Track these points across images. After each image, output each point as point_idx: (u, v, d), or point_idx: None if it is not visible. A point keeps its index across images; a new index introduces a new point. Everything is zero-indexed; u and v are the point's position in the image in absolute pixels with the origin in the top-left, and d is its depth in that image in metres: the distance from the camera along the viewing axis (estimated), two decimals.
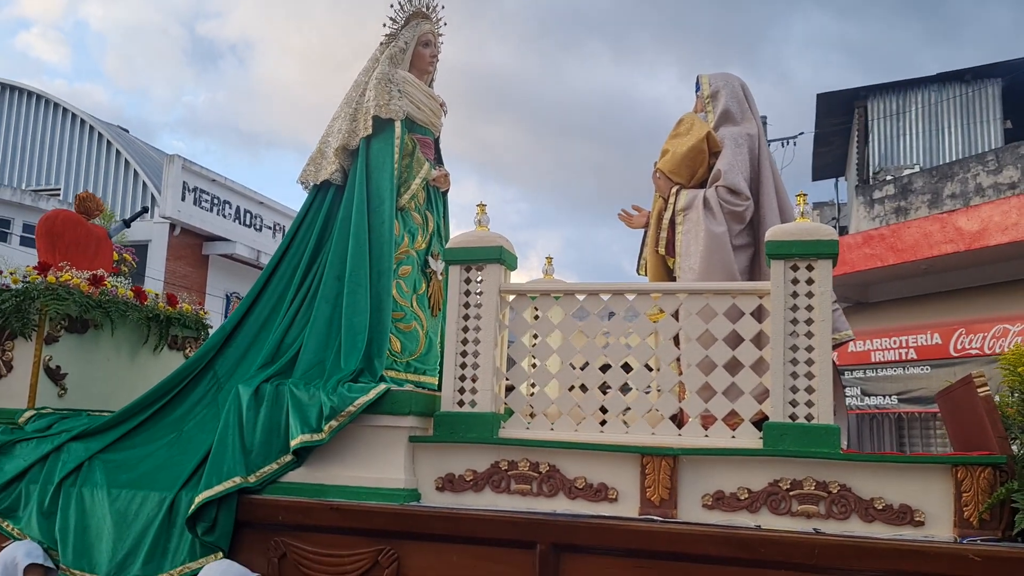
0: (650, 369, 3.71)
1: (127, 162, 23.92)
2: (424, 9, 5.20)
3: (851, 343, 10.88)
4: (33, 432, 4.67)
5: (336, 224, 4.74)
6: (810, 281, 3.45)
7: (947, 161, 14.32)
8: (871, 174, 15.19)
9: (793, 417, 3.38)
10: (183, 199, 21.23)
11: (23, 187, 23.88)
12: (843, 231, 15.53)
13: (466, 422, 3.84)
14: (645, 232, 4.66)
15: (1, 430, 4.74)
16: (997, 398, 3.21)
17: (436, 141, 5.29)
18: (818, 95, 16.24)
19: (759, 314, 3.58)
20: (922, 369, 11.20)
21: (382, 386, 3.97)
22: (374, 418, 3.95)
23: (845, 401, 4.68)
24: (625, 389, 3.79)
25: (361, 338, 4.33)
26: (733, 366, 3.56)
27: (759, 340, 3.56)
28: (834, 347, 4.18)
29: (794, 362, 3.42)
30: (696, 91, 4.67)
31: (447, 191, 5.23)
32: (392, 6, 5.10)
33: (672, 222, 4.30)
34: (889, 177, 14.18)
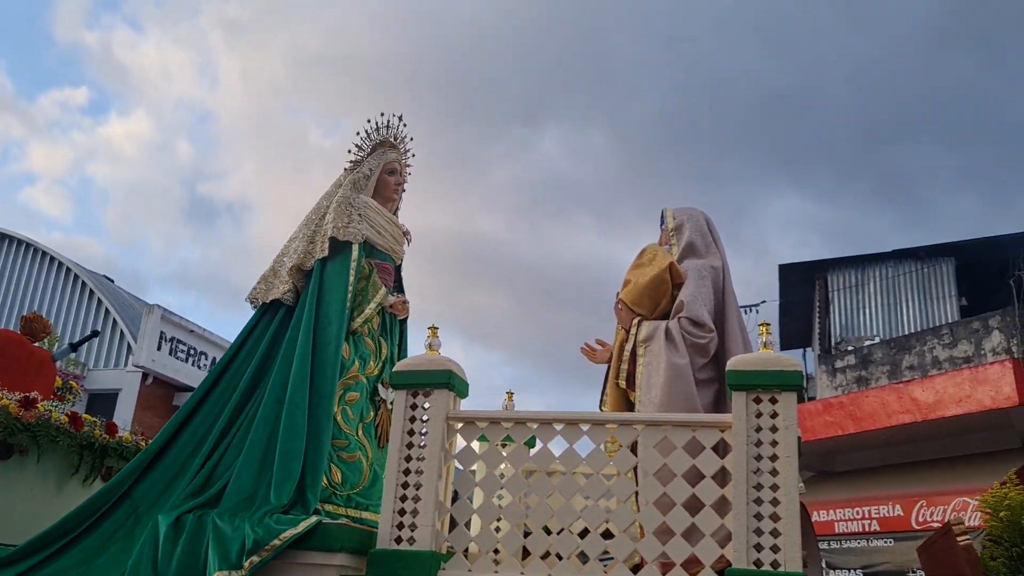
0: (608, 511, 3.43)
1: (107, 311, 24.02)
2: (391, 139, 5.22)
3: (815, 512, 10.56)
4: None
5: (283, 345, 4.51)
6: (774, 414, 3.25)
7: (905, 333, 14.52)
8: (833, 344, 15.31)
9: (758, 564, 3.08)
10: (159, 348, 20.97)
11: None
12: (810, 400, 15.50)
13: (403, 561, 3.48)
14: (608, 367, 4.48)
15: None
16: (979, 547, 2.96)
17: (398, 268, 5.17)
18: (780, 266, 16.62)
19: (722, 450, 3.35)
20: (885, 542, 10.84)
21: (312, 518, 3.63)
22: (302, 554, 3.58)
23: (819, 550, 4.36)
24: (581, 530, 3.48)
25: (295, 466, 4.01)
26: (693, 506, 3.29)
27: (722, 478, 3.32)
28: None
29: (758, 502, 3.16)
30: (661, 224, 4.63)
31: (406, 319, 5.06)
32: (358, 134, 5.11)
33: (633, 354, 4.13)
34: (850, 348, 14.30)
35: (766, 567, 3.07)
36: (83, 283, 24.95)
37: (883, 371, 13.16)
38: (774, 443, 3.22)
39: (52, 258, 25.64)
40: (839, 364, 13.99)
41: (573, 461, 3.51)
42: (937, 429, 10.54)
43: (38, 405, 5.06)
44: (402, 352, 4.99)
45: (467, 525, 3.58)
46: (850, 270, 16.10)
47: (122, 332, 23.57)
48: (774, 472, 3.19)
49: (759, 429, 3.25)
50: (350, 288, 4.57)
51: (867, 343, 14.53)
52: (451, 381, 3.71)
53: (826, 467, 12.23)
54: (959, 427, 10.47)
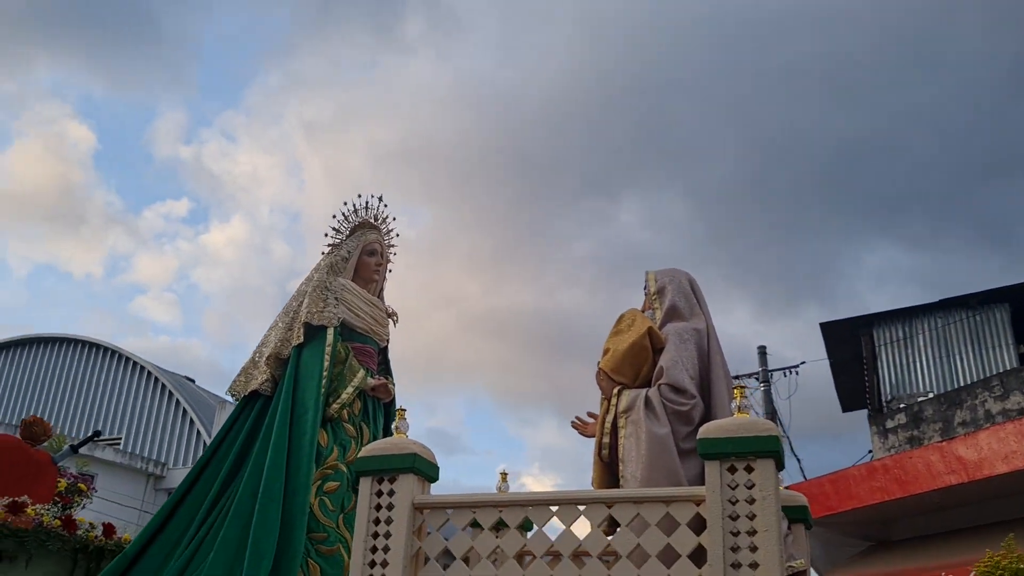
0: None
1: (184, 410, 25.18)
2: (371, 220, 5.15)
3: None
4: None
5: (259, 437, 4.38)
6: (750, 484, 2.98)
7: (959, 386, 13.84)
8: (884, 402, 14.67)
9: None
10: None
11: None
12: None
13: None
14: None
15: None
16: None
17: (383, 351, 5.04)
18: (821, 325, 16.12)
19: (699, 526, 3.08)
20: None
21: None
22: None
23: None
24: None
25: (266, 563, 3.83)
26: None
27: (701, 556, 3.04)
28: None
29: None
30: (644, 289, 4.44)
31: (391, 402, 4.90)
32: (335, 216, 5.06)
33: (615, 425, 3.90)
34: (901, 405, 13.66)
35: None
36: (163, 385, 26.39)
37: (935, 429, 12.49)
38: (751, 516, 2.94)
39: (135, 363, 27.52)
40: (890, 424, 13.35)
41: (543, 544, 3.27)
42: (987, 489, 9.82)
43: (27, 509, 4.98)
44: (387, 436, 4.82)
45: None
46: (897, 324, 15.54)
47: (198, 431, 24.40)
48: (753, 548, 2.91)
49: (735, 501, 2.98)
50: (325, 373, 4.45)
51: (919, 399, 13.88)
52: (415, 465, 3.51)
53: (882, 536, 11.53)
54: (1013, 486, 9.75)
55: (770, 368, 17.50)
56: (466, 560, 3.43)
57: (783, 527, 3.81)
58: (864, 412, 18.24)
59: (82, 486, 6.73)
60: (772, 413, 17.08)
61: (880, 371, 15.14)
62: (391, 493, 3.51)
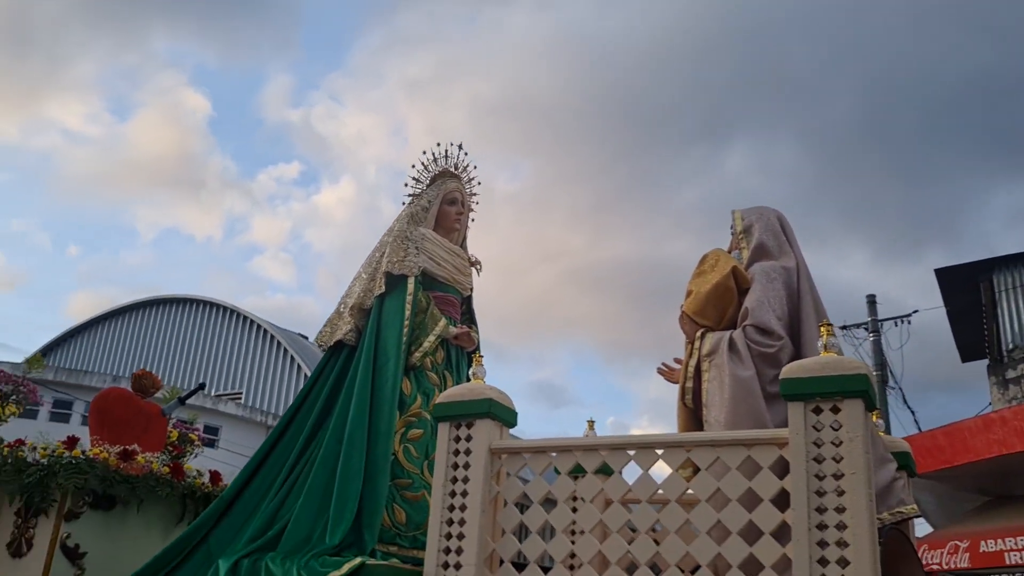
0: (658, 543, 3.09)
1: (299, 366, 26.41)
2: (452, 168, 5.10)
3: (984, 541, 9.42)
4: None
5: (345, 385, 4.45)
6: (836, 425, 2.83)
7: None
8: (1004, 352, 13.87)
9: None
10: None
11: (213, 393, 26.82)
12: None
13: None
14: None
15: None
16: None
17: (467, 300, 5.03)
18: (936, 271, 15.29)
19: (783, 469, 2.95)
20: None
21: (356, 560, 3.50)
22: None
23: None
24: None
25: (351, 507, 3.90)
26: (752, 533, 2.90)
27: (784, 501, 2.91)
28: (899, 522, 3.45)
29: (821, 527, 2.74)
30: (731, 229, 4.26)
31: (475, 350, 4.89)
32: (414, 166, 5.03)
33: (698, 369, 3.77)
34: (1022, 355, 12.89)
35: None
36: (278, 342, 27.73)
37: None
38: (838, 459, 2.80)
39: (253, 322, 29.06)
40: (1010, 374, 12.62)
41: (619, 488, 3.20)
42: None
43: (137, 457, 5.22)
44: None
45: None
46: (1018, 269, 14.59)
47: None
48: (839, 492, 2.76)
49: (820, 444, 2.84)
50: (406, 323, 4.45)
51: None
52: (491, 410, 3.50)
53: (1001, 490, 10.95)
54: None
55: (880, 317, 16.77)
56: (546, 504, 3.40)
57: (891, 470, 3.63)
58: (984, 362, 17.31)
59: (192, 435, 7.03)
60: (882, 364, 16.40)
61: (1000, 319, 14.30)
62: (468, 439, 3.51)
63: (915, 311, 16.91)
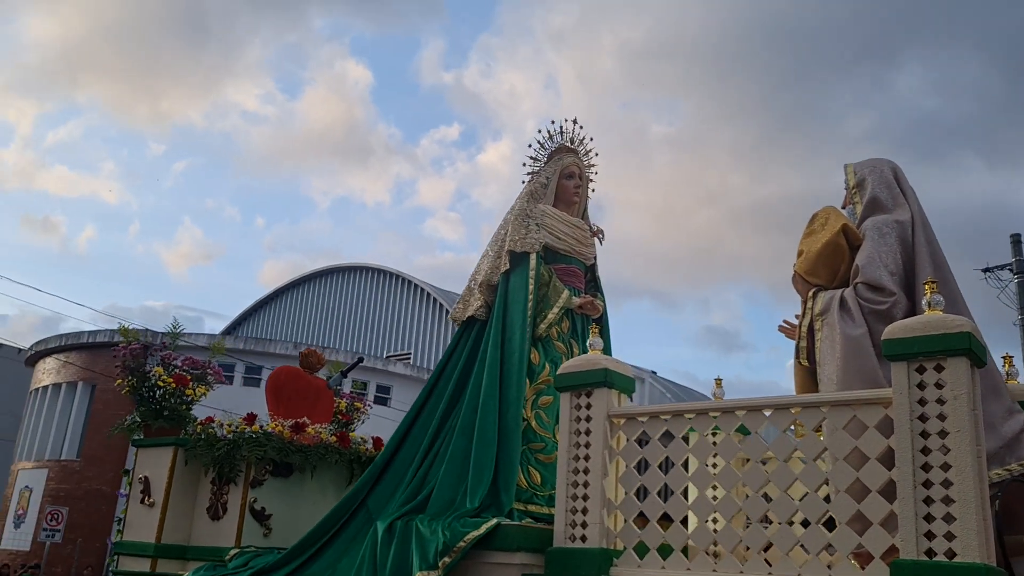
0: (768, 499, 3.22)
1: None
2: (568, 143, 5.28)
3: None
4: (232, 568, 5.02)
5: (478, 358, 4.78)
6: (940, 384, 2.85)
7: None
8: None
9: (930, 553, 2.73)
10: None
11: (382, 355, 28.92)
12: None
13: (575, 559, 3.55)
14: None
15: (207, 567, 5.16)
16: None
17: (590, 268, 5.22)
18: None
19: (888, 429, 3.00)
20: None
21: (492, 521, 3.81)
22: (487, 554, 3.79)
23: None
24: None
25: (488, 471, 4.23)
26: (860, 491, 2.99)
27: (891, 459, 2.97)
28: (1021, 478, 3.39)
29: (927, 484, 2.79)
30: (844, 184, 4.22)
31: (601, 317, 5.09)
32: (530, 146, 5.24)
33: (811, 329, 3.81)
34: None
35: (939, 557, 2.70)
36: (440, 304, 29.19)
37: None
38: (942, 417, 2.83)
39: (416, 285, 30.86)
40: None
41: (731, 450, 3.35)
42: None
43: (307, 428, 5.79)
44: (605, 351, 5.02)
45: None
46: None
47: None
48: (944, 450, 2.80)
49: (923, 402, 2.87)
50: (530, 297, 4.71)
51: None
52: (608, 379, 3.71)
53: None
54: None
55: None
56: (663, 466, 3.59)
57: (1020, 420, 3.56)
58: None
59: (358, 404, 7.62)
60: None
61: None
62: (588, 406, 3.73)
63: (1008, 265, 15.54)
